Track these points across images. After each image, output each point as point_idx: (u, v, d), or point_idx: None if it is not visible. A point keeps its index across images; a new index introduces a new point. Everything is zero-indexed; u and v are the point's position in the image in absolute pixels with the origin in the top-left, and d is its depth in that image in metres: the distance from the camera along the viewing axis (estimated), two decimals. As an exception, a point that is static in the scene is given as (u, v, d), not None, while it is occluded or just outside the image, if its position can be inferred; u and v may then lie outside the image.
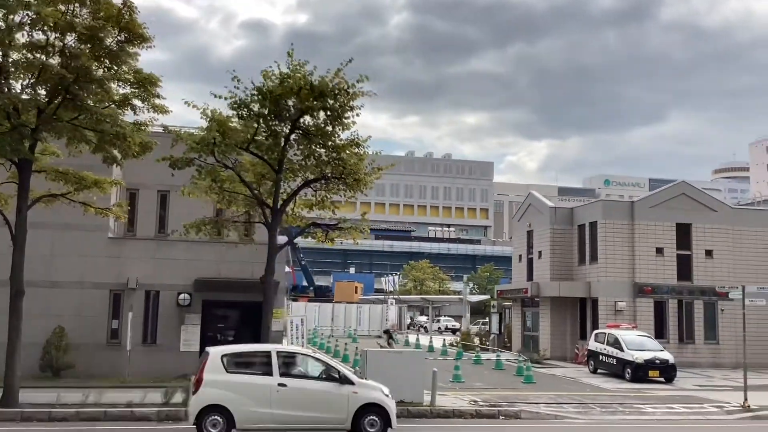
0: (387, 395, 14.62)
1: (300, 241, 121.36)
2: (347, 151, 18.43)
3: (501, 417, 18.19)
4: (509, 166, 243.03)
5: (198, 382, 13.58)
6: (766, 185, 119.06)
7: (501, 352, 33.77)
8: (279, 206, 18.36)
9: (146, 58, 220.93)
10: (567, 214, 35.65)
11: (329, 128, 18.19)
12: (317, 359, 14.98)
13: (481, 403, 19.40)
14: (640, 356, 26.23)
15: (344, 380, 14.19)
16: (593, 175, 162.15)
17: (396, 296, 65.60)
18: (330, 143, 18.34)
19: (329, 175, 18.45)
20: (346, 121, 18.10)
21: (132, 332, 22.02)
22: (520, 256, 38.69)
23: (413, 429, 16.38)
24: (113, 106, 17.24)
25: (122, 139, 16.34)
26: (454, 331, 57.21)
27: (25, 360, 21.08)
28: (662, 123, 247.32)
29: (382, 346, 21.94)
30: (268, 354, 14.28)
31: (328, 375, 14.25)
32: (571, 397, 21.46)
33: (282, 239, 21.39)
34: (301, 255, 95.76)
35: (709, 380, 27.66)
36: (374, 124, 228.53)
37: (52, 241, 22.51)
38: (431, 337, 46.01)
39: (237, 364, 14.21)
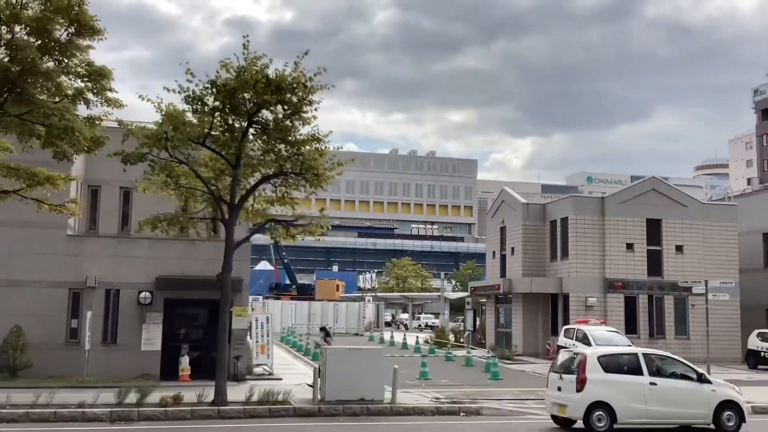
0: (739, 393, 15.81)
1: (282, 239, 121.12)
2: (307, 147, 18.19)
3: (462, 414, 18.04)
4: (495, 163, 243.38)
5: (582, 382, 14.96)
6: (745, 181, 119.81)
7: (472, 348, 33.66)
8: (237, 202, 18.06)
9: (126, 56, 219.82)
10: (539, 210, 35.58)
11: (288, 123, 17.95)
12: (677, 360, 16.15)
13: (443, 400, 19.25)
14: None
15: (703, 379, 15.61)
16: (576, 172, 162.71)
17: (374, 294, 65.37)
18: (290, 138, 18.09)
19: (288, 170, 18.16)
20: (305, 115, 17.88)
21: (91, 332, 21.66)
22: (494, 252, 38.60)
23: (373, 427, 16.20)
24: (66, 100, 16.94)
25: (71, 134, 15.98)
26: (433, 328, 57.14)
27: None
28: (646, 120, 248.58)
29: (318, 344, 21.76)
30: (636, 356, 15.78)
31: (687, 375, 15.62)
32: (536, 393, 21.30)
33: (243, 236, 21.04)
34: (284, 253, 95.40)
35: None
36: (361, 122, 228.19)
37: (9, 238, 22.12)
38: (405, 335, 45.89)
39: (611, 364, 15.53)
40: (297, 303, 56.77)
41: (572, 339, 28.14)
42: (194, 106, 17.17)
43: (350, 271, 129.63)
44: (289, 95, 17.38)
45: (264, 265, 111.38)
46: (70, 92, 16.99)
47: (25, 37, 15.88)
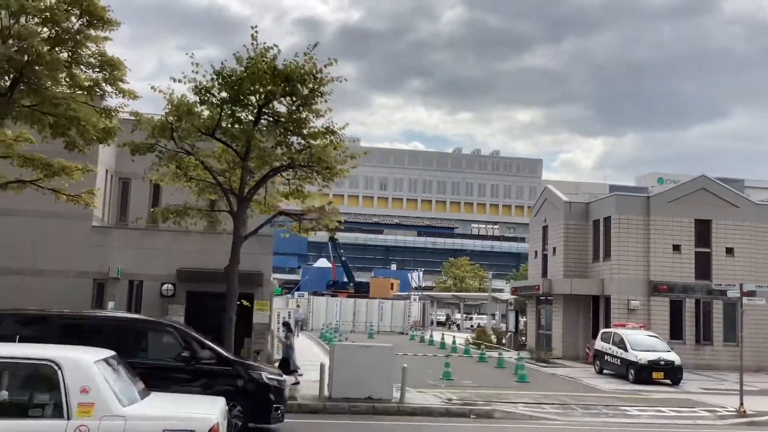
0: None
1: (341, 236, 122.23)
2: (317, 140, 17.88)
3: (472, 416, 17.44)
4: (563, 163, 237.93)
5: None
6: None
7: (505, 350, 32.84)
8: (245, 195, 17.85)
9: (199, 55, 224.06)
10: (582, 209, 34.46)
11: (301, 115, 17.66)
12: None
13: (456, 402, 18.66)
14: (643, 357, 25.10)
15: None
16: (647, 173, 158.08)
17: (420, 293, 64.74)
18: (303, 131, 17.79)
19: (298, 163, 17.85)
20: (315, 107, 17.57)
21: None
22: (536, 252, 37.61)
23: (375, 426, 15.76)
24: (81, 91, 17.02)
25: (77, 124, 16.00)
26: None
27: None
28: (723, 119, 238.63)
29: (281, 340, 21.40)
30: None
31: None
32: (558, 398, 20.54)
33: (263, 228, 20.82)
34: (342, 251, 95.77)
35: (719, 383, 26.32)
36: (427, 121, 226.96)
37: (35, 229, 22.47)
38: (454, 336, 45.21)
39: None
40: (342, 300, 56.55)
41: (609, 343, 27.19)
42: (202, 97, 17.00)
43: (409, 269, 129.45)
44: (299, 86, 17.07)
45: (322, 263, 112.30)
46: (86, 83, 17.09)
47: (37, 28, 15.99)
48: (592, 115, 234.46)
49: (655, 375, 24.90)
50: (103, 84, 17.23)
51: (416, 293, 62.00)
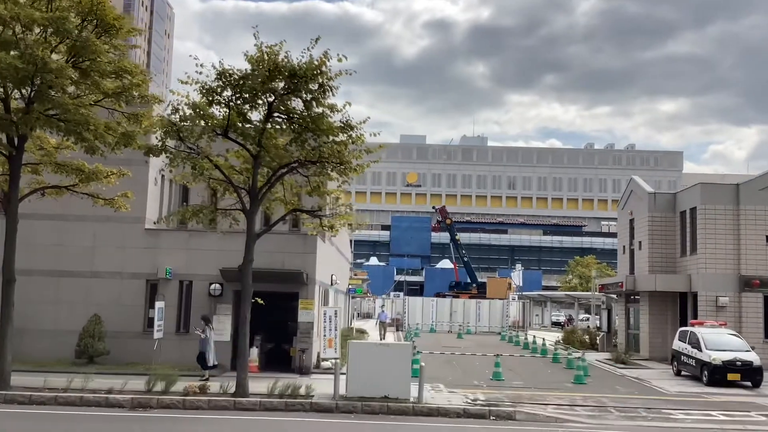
0: None
1: (464, 237, 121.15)
2: (337, 136, 17.66)
3: (492, 417, 16.62)
4: (714, 155, 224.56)
5: None
6: None
7: (590, 352, 31.19)
8: (258, 193, 17.88)
9: (331, 64, 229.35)
10: (669, 200, 32.22)
11: (314, 111, 17.50)
12: None
13: (480, 402, 17.87)
14: (718, 357, 23.12)
15: None
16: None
17: (520, 292, 62.97)
18: (321, 127, 17.58)
19: (308, 160, 17.68)
20: (329, 102, 17.40)
21: (163, 321, 22.49)
22: (624, 247, 35.54)
23: (384, 426, 15.30)
24: (106, 98, 17.67)
25: (85, 128, 16.58)
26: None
27: (62, 346, 22.47)
28: None
29: (198, 333, 20.96)
30: None
31: None
32: (601, 400, 19.28)
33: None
34: (464, 251, 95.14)
35: (811, 387, 23.84)
36: (562, 117, 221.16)
37: (93, 233, 23.51)
38: (543, 337, 43.64)
39: None
40: (438, 300, 55.94)
41: (685, 342, 25.28)
42: (209, 98, 17.16)
43: (535, 269, 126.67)
44: (305, 82, 16.91)
45: (445, 264, 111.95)
46: (110, 90, 17.69)
47: (51, 39, 16.68)
48: (744, 103, 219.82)
49: (730, 376, 22.88)
50: (129, 90, 17.88)
51: (515, 293, 60.29)
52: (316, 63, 16.81)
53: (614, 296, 36.62)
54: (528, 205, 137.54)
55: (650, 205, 32.09)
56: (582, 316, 61.76)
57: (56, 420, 14.75)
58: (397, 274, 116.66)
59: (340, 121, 17.74)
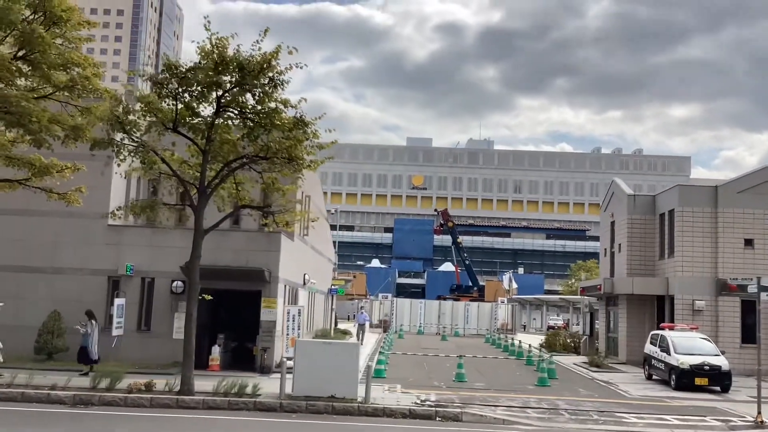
0: None
1: (466, 240, 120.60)
2: (285, 132, 17.44)
3: (438, 419, 16.35)
4: (726, 161, 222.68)
5: None
6: None
7: (565, 355, 30.81)
8: (206, 188, 17.66)
9: (341, 66, 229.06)
10: (648, 202, 31.81)
11: (267, 106, 17.31)
12: None
13: (429, 403, 17.57)
14: (686, 361, 22.73)
15: None
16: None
17: (510, 295, 62.54)
18: (268, 122, 17.37)
19: (258, 155, 17.46)
20: (284, 97, 17.23)
21: (127, 319, 22.31)
22: (605, 250, 35.16)
23: (326, 426, 15.02)
24: (58, 91, 17.50)
25: (28, 121, 16.40)
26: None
27: (22, 343, 22.22)
28: None
29: (79, 328, 20.68)
30: None
31: None
32: (556, 403, 18.94)
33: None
34: (465, 254, 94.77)
35: (782, 393, 23.37)
36: (573, 121, 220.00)
37: (55, 228, 23.33)
38: (522, 341, 43.30)
39: None
40: (426, 302, 55.63)
41: (656, 346, 24.91)
42: (157, 91, 16.97)
43: (538, 273, 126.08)
44: (253, 77, 16.70)
45: (447, 267, 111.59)
46: (62, 81, 17.50)
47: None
48: (756, 109, 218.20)
49: (698, 381, 22.48)
50: (81, 83, 17.70)
51: (505, 297, 59.86)
52: (264, 57, 16.60)
53: (596, 299, 36.23)
54: (534, 209, 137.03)
55: (630, 207, 31.71)
56: (579, 320, 61.37)
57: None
58: (399, 276, 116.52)
59: (294, 117, 17.55)
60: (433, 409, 16.77)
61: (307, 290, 30.08)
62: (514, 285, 64.32)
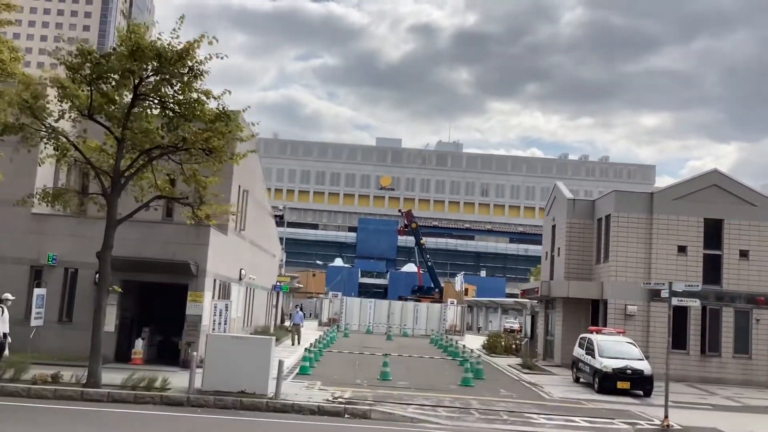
0: None
1: (430, 242, 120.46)
2: (206, 123, 17.26)
3: (346, 416, 16.29)
4: (693, 171, 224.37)
5: None
6: None
7: (503, 357, 30.93)
8: (120, 176, 17.41)
9: (315, 63, 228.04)
10: (587, 207, 32.08)
11: (189, 96, 17.11)
12: None
13: (341, 400, 17.50)
14: (609, 364, 22.91)
15: None
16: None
17: (462, 297, 62.75)
18: (189, 113, 17.18)
19: (174, 145, 17.25)
20: (206, 89, 17.05)
21: (48, 309, 21.94)
22: (547, 253, 35.40)
23: (231, 422, 14.85)
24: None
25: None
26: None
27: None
28: None
29: None
30: None
31: None
32: (468, 402, 18.98)
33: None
34: (428, 256, 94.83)
35: (703, 398, 23.74)
36: (545, 127, 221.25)
37: (-24, 215, 22.84)
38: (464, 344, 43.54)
39: None
40: (376, 301, 55.58)
41: (583, 349, 25.09)
42: (72, 76, 16.68)
43: (500, 276, 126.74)
44: (170, 65, 16.49)
45: (410, 268, 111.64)
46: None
47: None
48: (725, 120, 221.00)
49: (620, 384, 22.66)
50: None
51: (465, 297, 60.02)
52: (189, 44, 16.43)
53: (536, 303, 36.46)
54: (500, 212, 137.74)
55: (569, 212, 31.95)
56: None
57: None
58: (362, 276, 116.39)
59: (217, 108, 17.37)
60: (342, 406, 16.70)
61: (243, 285, 29.84)
62: (464, 287, 64.45)
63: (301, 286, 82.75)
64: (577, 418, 17.52)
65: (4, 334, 18.80)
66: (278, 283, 39.86)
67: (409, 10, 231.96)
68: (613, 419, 17.73)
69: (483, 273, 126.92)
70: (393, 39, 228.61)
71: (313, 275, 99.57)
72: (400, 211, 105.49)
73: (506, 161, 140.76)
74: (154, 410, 15.63)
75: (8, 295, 19.50)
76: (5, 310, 19.15)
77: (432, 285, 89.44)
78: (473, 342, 43.75)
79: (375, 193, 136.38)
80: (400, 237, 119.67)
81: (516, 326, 71.18)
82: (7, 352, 18.49)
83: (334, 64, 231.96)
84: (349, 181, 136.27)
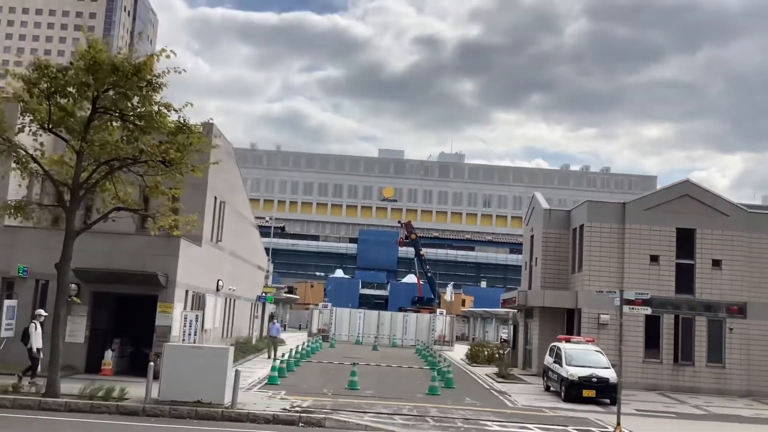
0: None
1: (431, 252, 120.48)
2: (167, 135, 17.58)
3: (301, 424, 16.49)
4: (698, 182, 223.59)
5: None
6: None
7: (481, 367, 31.09)
8: (79, 188, 17.73)
9: (319, 75, 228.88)
10: (563, 217, 32.34)
11: (150, 109, 17.46)
12: None
13: (296, 409, 17.71)
14: (575, 373, 23.10)
15: None
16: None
17: (451, 307, 62.85)
18: (149, 125, 17.51)
19: (131, 157, 17.56)
20: (154, 99, 17.38)
21: (19, 321, 22.18)
22: (526, 263, 35.63)
23: (171, 430, 15.08)
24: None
25: None
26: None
27: None
28: None
29: None
30: None
31: None
32: (426, 410, 19.17)
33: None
34: (428, 267, 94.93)
35: (671, 407, 23.87)
36: (548, 137, 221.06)
37: (-52, 227, 23.19)
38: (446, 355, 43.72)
39: None
40: (366, 312, 55.79)
41: (552, 357, 25.27)
42: (29, 89, 17.02)
43: (500, 287, 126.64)
44: (127, 79, 16.82)
45: (410, 279, 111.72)
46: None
47: None
48: (730, 130, 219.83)
49: (586, 393, 22.83)
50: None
51: (441, 309, 60.18)
52: (149, 59, 16.80)
53: (517, 312, 36.64)
54: (503, 223, 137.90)
55: (546, 221, 32.21)
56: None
57: None
58: (362, 287, 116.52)
59: (177, 121, 17.70)
60: (297, 414, 16.91)
61: (221, 296, 30.09)
62: (462, 297, 64.49)
63: (297, 297, 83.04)
64: (532, 426, 17.70)
65: (38, 350, 19.22)
66: (263, 294, 40.09)
67: (412, 21, 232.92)
68: (567, 426, 17.91)
69: (483, 284, 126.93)
70: (397, 51, 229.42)
71: (311, 286, 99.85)
72: (399, 222, 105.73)
73: (508, 172, 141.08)
74: (110, 420, 15.85)
75: (41, 311, 19.92)
76: (38, 326, 19.58)
77: (432, 296, 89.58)
78: (462, 352, 43.89)
79: (377, 204, 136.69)
80: (400, 248, 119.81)
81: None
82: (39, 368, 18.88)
83: (338, 76, 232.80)
84: (352, 193, 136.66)
